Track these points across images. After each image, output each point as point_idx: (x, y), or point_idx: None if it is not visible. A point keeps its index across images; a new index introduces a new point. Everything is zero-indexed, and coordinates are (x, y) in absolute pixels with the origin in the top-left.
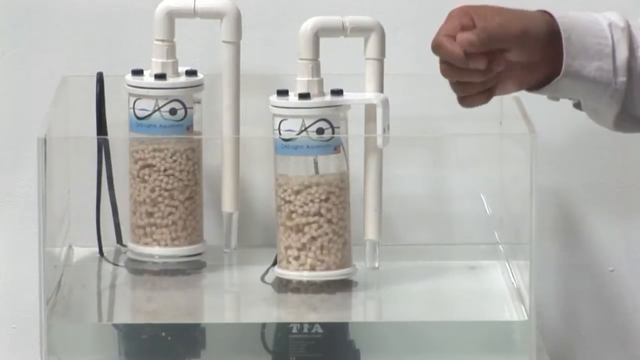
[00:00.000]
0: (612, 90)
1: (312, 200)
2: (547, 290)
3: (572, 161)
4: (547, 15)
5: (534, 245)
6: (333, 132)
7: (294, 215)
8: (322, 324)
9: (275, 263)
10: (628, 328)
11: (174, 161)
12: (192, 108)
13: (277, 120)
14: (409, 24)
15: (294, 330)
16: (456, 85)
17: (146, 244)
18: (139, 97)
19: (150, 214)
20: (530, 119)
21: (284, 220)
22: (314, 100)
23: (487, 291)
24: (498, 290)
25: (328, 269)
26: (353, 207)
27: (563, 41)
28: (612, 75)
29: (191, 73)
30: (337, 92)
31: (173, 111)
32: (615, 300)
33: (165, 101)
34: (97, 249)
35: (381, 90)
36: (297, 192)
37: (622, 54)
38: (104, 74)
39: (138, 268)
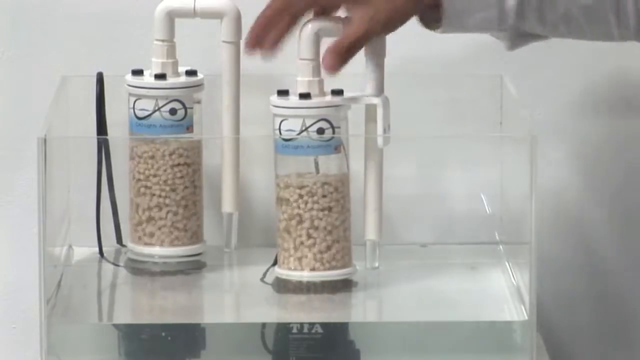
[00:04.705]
0: (499, 33)
1: (312, 200)
2: (547, 290)
3: (572, 161)
4: None
5: (534, 245)
6: (333, 132)
7: (294, 215)
8: (322, 324)
9: (275, 263)
10: (628, 328)
11: (174, 161)
12: (192, 108)
13: (278, 120)
14: (408, 24)
15: (294, 330)
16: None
17: (146, 244)
18: (139, 97)
19: (150, 214)
20: (530, 119)
21: (284, 220)
22: (315, 100)
23: (487, 291)
24: (498, 290)
25: (328, 269)
26: (353, 207)
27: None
28: (497, 21)
29: (191, 73)
30: (338, 92)
31: (173, 111)
32: (615, 300)
33: (165, 101)
34: (97, 249)
35: (381, 90)
36: (297, 192)
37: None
38: (104, 74)
39: (138, 268)
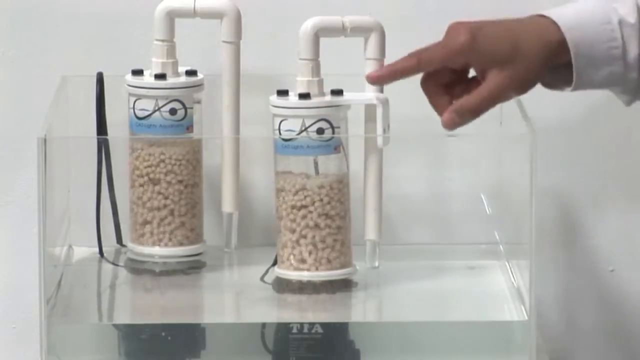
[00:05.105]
0: (622, 87)
1: (312, 200)
2: (547, 290)
3: (572, 161)
4: (553, 28)
5: (534, 245)
6: (333, 132)
7: (293, 216)
8: (322, 324)
9: (275, 263)
10: (628, 328)
11: (174, 161)
12: (192, 108)
13: (277, 120)
14: (409, 24)
15: (294, 330)
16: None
17: (146, 244)
18: (139, 97)
19: (150, 214)
20: (530, 119)
21: (284, 220)
22: (314, 100)
23: (487, 291)
24: (498, 290)
25: (328, 269)
26: (353, 207)
27: (572, 58)
28: (622, 75)
29: (191, 73)
30: (337, 92)
31: (173, 111)
32: (615, 300)
33: (165, 101)
34: (97, 249)
35: (381, 90)
36: (297, 192)
37: (632, 52)
38: (104, 74)
39: (138, 268)
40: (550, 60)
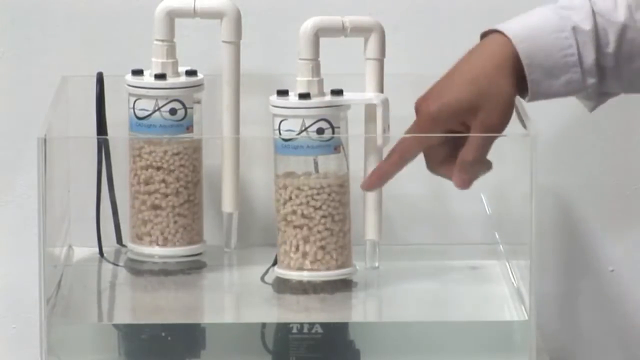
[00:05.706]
0: (584, 93)
1: (312, 200)
2: (547, 290)
3: (572, 161)
4: (506, 42)
5: (534, 245)
6: (333, 132)
7: (293, 215)
8: (322, 324)
9: (275, 263)
10: (628, 328)
11: (174, 161)
12: (192, 108)
13: (277, 120)
14: (409, 24)
15: (294, 330)
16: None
17: (146, 244)
18: (139, 97)
19: (150, 214)
20: (530, 119)
21: (284, 220)
22: (314, 100)
23: (487, 291)
24: (498, 290)
25: (328, 269)
26: (353, 207)
27: (525, 70)
28: (581, 81)
29: (191, 73)
30: (337, 92)
31: (173, 111)
32: (615, 300)
33: (165, 101)
34: (97, 249)
35: (381, 90)
36: (297, 192)
37: (589, 58)
38: (104, 74)
39: (138, 268)
40: (516, 71)
